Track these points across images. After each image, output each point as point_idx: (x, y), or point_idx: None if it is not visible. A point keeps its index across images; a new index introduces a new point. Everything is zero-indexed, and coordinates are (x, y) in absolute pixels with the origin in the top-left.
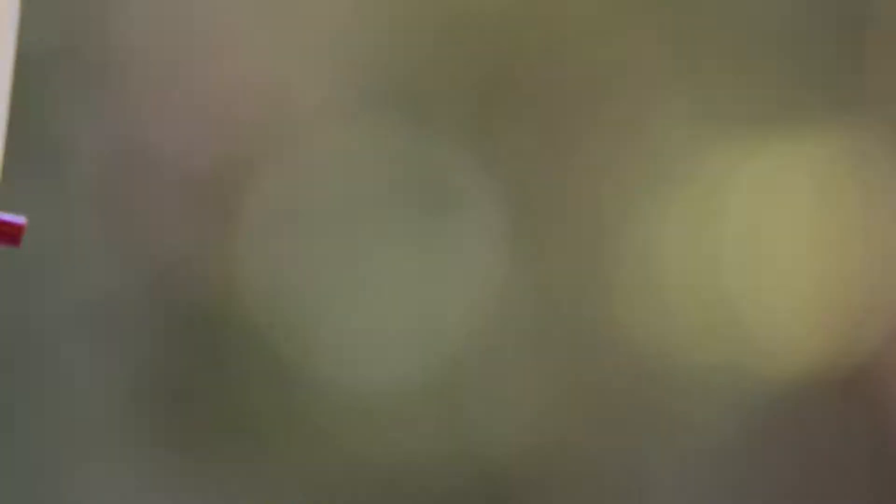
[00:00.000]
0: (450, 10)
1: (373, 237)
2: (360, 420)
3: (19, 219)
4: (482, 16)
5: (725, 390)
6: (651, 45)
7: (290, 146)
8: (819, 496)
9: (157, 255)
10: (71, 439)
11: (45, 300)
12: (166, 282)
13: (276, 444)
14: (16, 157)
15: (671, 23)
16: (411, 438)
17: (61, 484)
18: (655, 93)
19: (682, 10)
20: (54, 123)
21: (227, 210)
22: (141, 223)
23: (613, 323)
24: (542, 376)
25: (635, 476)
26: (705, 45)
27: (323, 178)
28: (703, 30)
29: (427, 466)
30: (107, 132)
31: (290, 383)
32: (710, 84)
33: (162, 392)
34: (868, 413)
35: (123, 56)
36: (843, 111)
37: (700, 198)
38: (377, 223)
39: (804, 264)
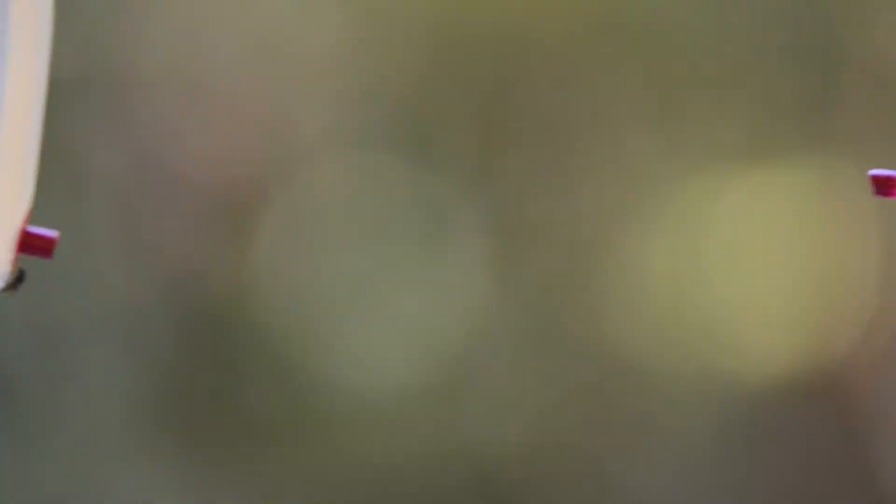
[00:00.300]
0: (449, 37)
1: (374, 238)
2: (362, 420)
3: (52, 232)
4: (481, 42)
5: (724, 392)
6: (635, 79)
7: (299, 161)
8: (818, 497)
9: (170, 265)
10: (82, 442)
11: (61, 308)
12: (179, 291)
13: (284, 446)
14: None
15: (653, 59)
16: (411, 438)
17: (70, 485)
18: (641, 124)
19: (664, 42)
20: (72, 139)
21: (239, 222)
22: (156, 234)
23: (612, 325)
24: (541, 377)
25: (635, 476)
26: (685, 79)
27: (331, 190)
28: (683, 62)
29: (427, 466)
30: (124, 148)
31: (298, 387)
32: (687, 114)
33: (174, 397)
34: (852, 417)
35: (141, 75)
36: (815, 143)
37: (684, 215)
38: (381, 226)
39: (786, 273)
